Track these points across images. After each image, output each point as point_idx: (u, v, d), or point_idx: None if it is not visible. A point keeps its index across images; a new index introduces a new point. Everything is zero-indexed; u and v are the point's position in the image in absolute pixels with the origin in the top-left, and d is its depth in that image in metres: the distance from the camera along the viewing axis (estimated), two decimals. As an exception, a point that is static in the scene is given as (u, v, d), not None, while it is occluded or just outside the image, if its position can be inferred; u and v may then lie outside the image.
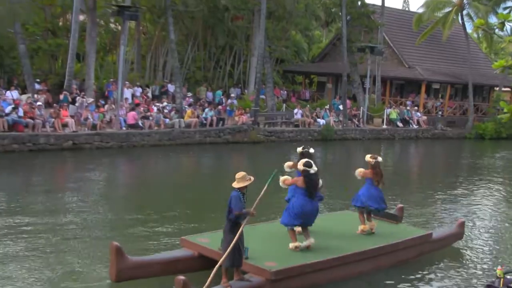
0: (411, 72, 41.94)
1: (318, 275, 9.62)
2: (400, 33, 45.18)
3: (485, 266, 11.57)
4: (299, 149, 11.54)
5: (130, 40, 36.49)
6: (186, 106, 30.09)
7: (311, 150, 11.40)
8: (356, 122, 35.93)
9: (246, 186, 8.79)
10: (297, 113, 33.49)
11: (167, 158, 24.33)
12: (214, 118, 29.14)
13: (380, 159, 11.73)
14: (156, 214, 14.18)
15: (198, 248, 9.96)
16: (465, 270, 11.33)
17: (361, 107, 37.28)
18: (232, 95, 34.95)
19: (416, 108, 40.12)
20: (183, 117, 28.38)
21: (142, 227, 12.97)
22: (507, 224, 15.68)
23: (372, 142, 34.60)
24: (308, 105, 35.91)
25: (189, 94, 32.87)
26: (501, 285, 7.60)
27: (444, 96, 43.95)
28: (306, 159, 10.54)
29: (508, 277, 7.85)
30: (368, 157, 11.71)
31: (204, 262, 9.78)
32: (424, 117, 39.66)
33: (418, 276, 10.79)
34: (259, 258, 9.32)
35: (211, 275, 8.32)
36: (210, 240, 10.03)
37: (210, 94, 35.12)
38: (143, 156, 24.16)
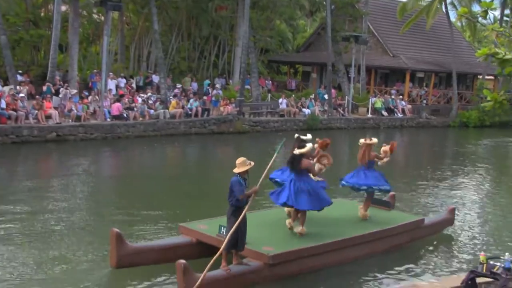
0: (395, 61, 42.13)
1: (314, 259, 9.83)
2: (384, 22, 45.34)
3: (473, 251, 11.80)
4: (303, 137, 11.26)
5: (113, 31, 36.28)
6: (171, 97, 30.03)
7: (303, 137, 11.28)
8: (341, 112, 36.08)
9: (246, 171, 8.95)
10: (282, 103, 33.56)
11: (152, 149, 24.30)
12: (199, 108, 29.12)
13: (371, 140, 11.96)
14: (142, 204, 14.20)
15: (196, 234, 10.08)
16: (455, 255, 11.57)
17: (346, 97, 37.42)
18: (217, 85, 34.91)
19: (400, 97, 40.36)
20: (168, 108, 28.33)
21: (127, 217, 12.99)
22: (491, 210, 15.93)
23: (357, 131, 34.76)
24: (293, 95, 35.98)
25: (178, 85, 32.77)
26: (484, 270, 7.74)
27: (429, 85, 44.25)
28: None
29: (491, 262, 8.00)
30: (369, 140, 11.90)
31: (202, 249, 9.90)
32: (409, 106, 39.91)
33: (410, 260, 11.05)
34: (257, 243, 9.47)
35: (213, 259, 8.46)
36: (209, 227, 10.17)
37: (195, 85, 35.05)
38: (128, 147, 24.12)
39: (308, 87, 43.20)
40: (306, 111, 34.11)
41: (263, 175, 9.13)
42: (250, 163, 9.01)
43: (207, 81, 35.81)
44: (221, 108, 30.40)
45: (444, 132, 38.14)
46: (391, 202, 13.00)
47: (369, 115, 37.43)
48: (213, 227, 9.96)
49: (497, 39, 9.59)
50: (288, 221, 10.60)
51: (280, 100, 33.69)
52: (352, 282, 9.90)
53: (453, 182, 20.15)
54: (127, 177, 18.39)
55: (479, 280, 7.70)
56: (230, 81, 37.83)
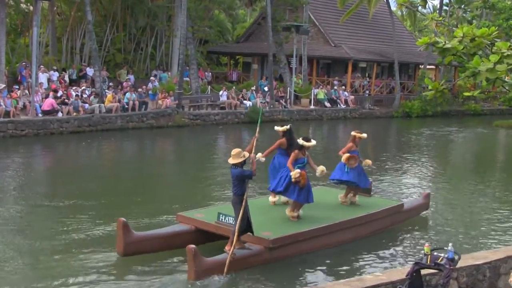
0: (337, 51, 42.65)
1: (309, 242, 10.92)
2: (325, 11, 45.82)
3: (444, 235, 12.68)
4: (282, 128, 12.90)
5: (43, 22, 35.30)
6: (107, 91, 29.53)
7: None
8: (283, 103, 36.29)
9: (241, 162, 9.83)
10: (223, 95, 33.49)
11: (87, 145, 23.86)
12: (136, 102, 28.75)
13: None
14: (76, 203, 13.96)
15: (195, 222, 11.02)
16: (430, 238, 12.53)
17: (288, 88, 37.67)
18: (152, 78, 34.52)
19: (343, 87, 40.90)
20: (103, 102, 27.84)
21: (61, 217, 12.70)
22: (438, 195, 16.34)
23: (300, 123, 35.03)
24: (234, 87, 35.96)
25: (130, 77, 32.05)
26: (428, 262, 7.89)
27: (371, 75, 45.02)
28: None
29: (435, 253, 8.17)
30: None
31: (200, 236, 10.85)
32: (352, 97, 40.50)
33: (391, 243, 12.12)
34: (255, 229, 10.27)
35: (232, 248, 9.57)
36: (205, 215, 11.19)
37: (132, 78, 34.56)
38: (61, 144, 23.61)
39: (249, 79, 43.22)
40: (248, 103, 34.14)
41: (253, 145, 10.72)
42: (244, 155, 9.90)
43: (165, 75, 35.31)
44: (159, 102, 30.11)
45: (388, 123, 38.94)
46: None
47: (312, 107, 37.80)
48: (209, 215, 11.05)
49: (437, 28, 9.80)
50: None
51: (221, 93, 33.60)
52: (340, 263, 10.86)
53: (403, 171, 20.93)
54: (59, 176, 17.96)
55: (423, 271, 7.85)
56: (169, 73, 37.48)
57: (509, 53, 7.09)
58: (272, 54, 36.96)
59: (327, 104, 38.52)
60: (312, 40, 43.58)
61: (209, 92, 35.14)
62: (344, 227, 11.58)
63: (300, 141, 11.52)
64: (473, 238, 12.63)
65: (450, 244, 8.16)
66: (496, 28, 7.74)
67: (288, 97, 37.13)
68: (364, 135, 12.81)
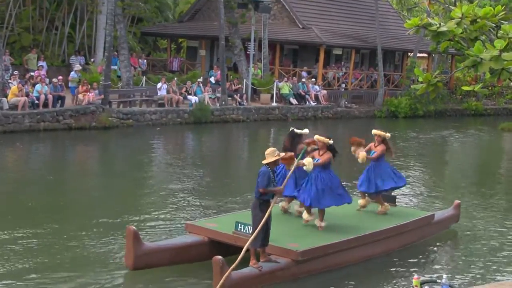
0: (306, 34, 42.93)
1: (339, 256, 12.00)
2: (291, -16, 46.11)
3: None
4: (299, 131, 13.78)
5: None
6: (11, 81, 29.12)
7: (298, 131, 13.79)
8: (238, 99, 36.34)
9: (275, 162, 11.00)
10: (162, 88, 33.35)
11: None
12: (50, 96, 28.43)
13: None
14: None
15: (208, 232, 12.03)
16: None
17: (244, 80, 37.73)
18: (78, 65, 34.15)
19: (313, 80, 41.17)
20: (5, 96, 27.46)
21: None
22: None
23: (259, 124, 35.15)
24: (175, 78, 35.87)
25: (42, 64, 31.54)
26: (417, 296, 8.03)
27: (348, 65, 45.42)
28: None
29: (426, 287, 8.32)
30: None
31: (215, 248, 11.73)
32: (324, 92, 40.78)
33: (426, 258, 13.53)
34: (279, 239, 11.38)
35: (240, 256, 10.30)
36: (219, 224, 12.22)
37: (44, 65, 34.15)
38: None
39: (195, 68, 43.15)
40: (193, 99, 34.08)
41: (287, 176, 11.55)
42: (278, 154, 11.04)
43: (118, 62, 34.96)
44: (80, 96, 29.83)
45: (368, 124, 39.06)
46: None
47: (274, 104, 37.93)
48: (223, 225, 12.04)
49: (430, 7, 9.96)
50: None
51: (159, 85, 33.44)
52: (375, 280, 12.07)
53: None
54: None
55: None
56: (92, 60, 37.13)
57: (518, 38, 7.25)
58: (224, 37, 36.97)
59: (293, 101, 38.71)
60: (275, 20, 43.76)
61: (143, 85, 34.90)
62: (378, 238, 12.84)
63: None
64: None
65: (444, 276, 8.30)
66: (503, 7, 7.91)
67: (244, 92, 37.19)
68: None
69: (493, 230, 16.03)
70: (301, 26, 43.57)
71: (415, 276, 9.81)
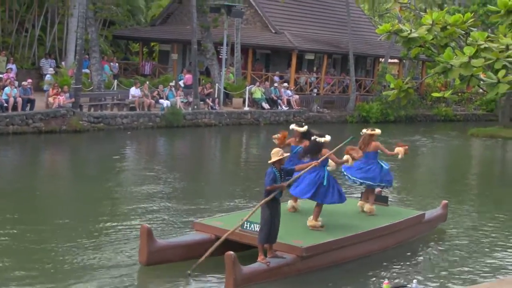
0: (278, 39, 43.02)
1: (340, 252, 12.66)
2: (264, -12, 46.18)
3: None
4: (301, 129, 14.63)
5: None
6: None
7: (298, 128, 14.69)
8: (211, 104, 36.33)
9: (279, 161, 11.54)
10: (135, 92, 33.18)
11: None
12: (19, 99, 28.20)
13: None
14: None
15: (215, 230, 12.59)
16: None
17: (217, 84, 37.72)
18: (51, 69, 33.93)
19: (285, 85, 41.23)
20: (-25, 99, 27.20)
21: None
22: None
23: (231, 129, 35.15)
24: (147, 82, 35.75)
25: (12, 67, 31.20)
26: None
27: (320, 70, 45.59)
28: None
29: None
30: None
31: (222, 245, 11.96)
32: (296, 96, 40.89)
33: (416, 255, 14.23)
34: (284, 237, 11.91)
35: (213, 247, 11.60)
36: (224, 223, 12.76)
37: (13, 67, 33.85)
38: None
39: (167, 72, 43.04)
40: (165, 103, 33.99)
41: (301, 173, 12.36)
42: (282, 154, 11.60)
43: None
44: (50, 99, 29.62)
45: (340, 129, 39.33)
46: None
47: (246, 108, 37.97)
48: (229, 223, 12.49)
49: (401, 14, 10.06)
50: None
51: (133, 90, 33.24)
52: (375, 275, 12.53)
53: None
54: None
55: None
56: (62, 63, 36.90)
57: (486, 45, 7.35)
58: (197, 41, 36.95)
59: (265, 106, 38.77)
60: (248, 24, 43.80)
61: (115, 88, 34.73)
62: (377, 235, 13.55)
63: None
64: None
65: (414, 281, 8.37)
66: (472, 14, 8.01)
67: (216, 96, 37.18)
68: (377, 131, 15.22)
69: (469, 232, 16.39)
70: (273, 31, 43.66)
71: (386, 281, 9.89)
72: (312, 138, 13.21)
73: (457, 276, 12.86)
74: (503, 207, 19.81)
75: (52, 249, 12.97)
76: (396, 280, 11.84)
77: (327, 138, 13.12)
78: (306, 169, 12.48)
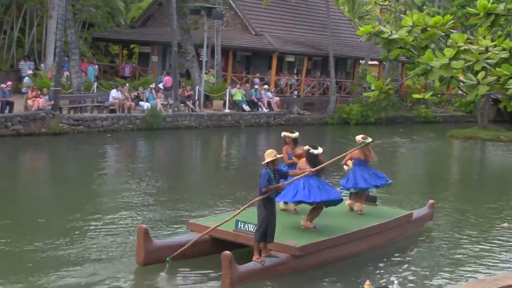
0: (259, 41, 43.09)
1: (332, 252, 13.06)
2: (244, -10, 46.22)
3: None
4: (292, 135, 14.99)
5: None
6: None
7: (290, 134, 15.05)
8: (191, 106, 36.30)
9: (273, 162, 11.91)
10: (116, 95, 33.06)
11: None
12: (-2, 102, 28.09)
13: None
14: None
15: (210, 231, 12.66)
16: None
17: (197, 86, 37.70)
18: (30, 71, 33.73)
19: (266, 87, 41.29)
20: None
21: None
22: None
23: (212, 131, 35.13)
24: (127, 84, 35.67)
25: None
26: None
27: (301, 72, 45.70)
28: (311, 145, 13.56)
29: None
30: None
31: (216, 245, 12.71)
32: (277, 98, 40.97)
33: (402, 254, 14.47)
34: (277, 237, 12.18)
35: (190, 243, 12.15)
36: (217, 223, 12.75)
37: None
38: None
39: (147, 74, 42.97)
40: (145, 105, 33.93)
41: (293, 179, 12.66)
42: (276, 155, 11.96)
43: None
44: (30, 102, 29.47)
45: (320, 131, 39.55)
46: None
47: (227, 110, 37.98)
48: (223, 224, 12.55)
49: (381, 15, 10.13)
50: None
51: (113, 92, 33.11)
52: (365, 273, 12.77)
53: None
54: None
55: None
56: (42, 65, 36.75)
57: (466, 47, 7.40)
58: (177, 43, 36.91)
59: (246, 108, 38.79)
60: (228, 26, 43.82)
61: (95, 91, 34.61)
62: (367, 234, 14.00)
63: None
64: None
65: (395, 282, 8.41)
66: (451, 16, 8.07)
67: (197, 98, 37.16)
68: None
69: (452, 231, 16.76)
70: (254, 33, 43.73)
71: (367, 282, 9.94)
72: (306, 148, 13.45)
73: (439, 276, 12.99)
74: (483, 206, 20.13)
75: (37, 249, 13.01)
76: (382, 281, 11.95)
77: (320, 150, 13.35)
78: (299, 176, 12.80)
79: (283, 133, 15.28)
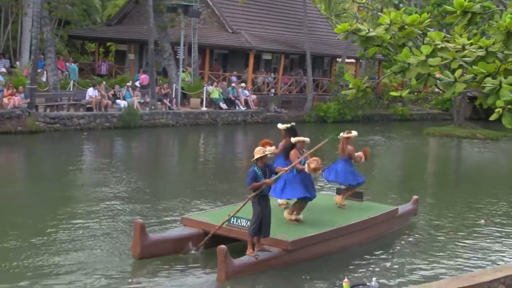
0: (236, 39, 43.09)
1: (322, 246, 13.36)
2: (221, -12, 46.20)
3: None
4: (283, 126, 15.08)
5: None
6: None
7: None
8: (168, 104, 36.24)
9: (262, 158, 12.06)
10: (93, 93, 32.90)
11: None
12: (-26, 100, 27.85)
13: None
14: None
15: (203, 225, 13.29)
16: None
17: (174, 84, 37.63)
18: (3, 69, 33.53)
19: (243, 85, 41.32)
20: None
21: None
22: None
23: (189, 129, 35.10)
24: (103, 82, 35.53)
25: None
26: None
27: (278, 70, 45.78)
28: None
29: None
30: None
31: (209, 239, 12.92)
32: (254, 97, 40.99)
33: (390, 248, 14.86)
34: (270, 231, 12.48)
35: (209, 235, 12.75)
36: (211, 218, 13.51)
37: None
38: None
39: (124, 72, 42.84)
40: (122, 103, 33.82)
41: (279, 174, 12.60)
42: (264, 152, 12.11)
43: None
44: (5, 100, 29.28)
45: (298, 129, 39.30)
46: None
47: (204, 108, 37.94)
48: (216, 218, 13.20)
49: (359, 13, 10.17)
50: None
51: (90, 90, 32.93)
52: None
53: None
54: None
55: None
56: (17, 63, 36.52)
57: (443, 45, 7.46)
58: (154, 41, 36.82)
59: (223, 106, 38.78)
60: (205, 24, 43.76)
61: (71, 89, 34.42)
62: (356, 229, 14.28)
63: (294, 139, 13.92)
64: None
65: (374, 279, 8.46)
66: (428, 14, 8.13)
67: (174, 96, 37.08)
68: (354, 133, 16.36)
69: (432, 227, 17.02)
70: (230, 31, 43.74)
71: (345, 279, 9.99)
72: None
73: (417, 274, 13.08)
74: (460, 203, 20.43)
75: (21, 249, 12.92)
76: (362, 280, 12.01)
77: (303, 139, 13.92)
78: (285, 170, 12.94)
79: (279, 125, 15.52)
